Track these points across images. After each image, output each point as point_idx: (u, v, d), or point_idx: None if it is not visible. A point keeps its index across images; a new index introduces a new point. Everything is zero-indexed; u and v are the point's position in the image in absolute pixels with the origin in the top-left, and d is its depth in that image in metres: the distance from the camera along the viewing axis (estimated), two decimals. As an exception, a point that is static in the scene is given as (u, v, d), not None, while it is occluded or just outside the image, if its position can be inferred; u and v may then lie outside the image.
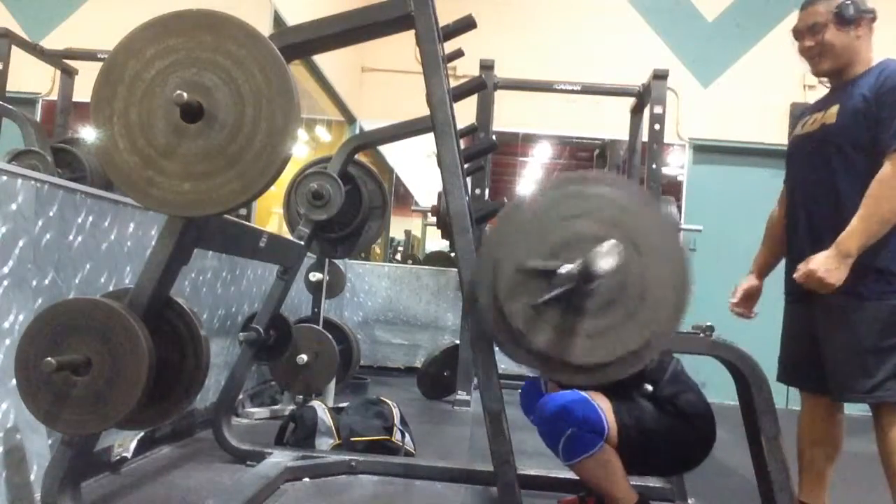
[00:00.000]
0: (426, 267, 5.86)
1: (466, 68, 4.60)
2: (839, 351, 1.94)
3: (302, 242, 2.77)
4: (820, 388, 2.04)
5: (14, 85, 3.51)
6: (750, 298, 2.32)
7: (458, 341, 4.42)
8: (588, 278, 1.33)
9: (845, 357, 1.93)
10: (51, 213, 1.86)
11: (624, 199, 1.42)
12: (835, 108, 1.99)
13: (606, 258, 1.31)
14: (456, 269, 1.67)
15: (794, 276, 1.91)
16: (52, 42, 3.84)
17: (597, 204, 1.41)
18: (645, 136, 4.61)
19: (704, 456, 2.00)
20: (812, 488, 2.11)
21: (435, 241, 8.47)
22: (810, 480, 2.12)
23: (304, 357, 3.21)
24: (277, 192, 3.11)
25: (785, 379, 2.23)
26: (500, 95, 4.49)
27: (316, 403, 3.01)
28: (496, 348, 1.56)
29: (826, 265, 1.84)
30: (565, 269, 1.36)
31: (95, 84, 1.35)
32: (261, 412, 3.57)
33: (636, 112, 4.90)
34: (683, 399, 1.96)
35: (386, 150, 6.48)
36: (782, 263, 2.26)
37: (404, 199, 8.10)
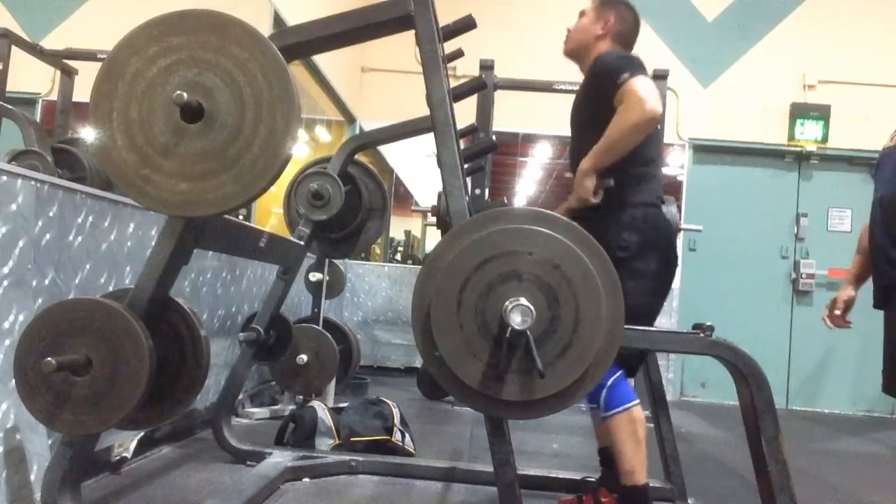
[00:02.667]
0: (426, 267, 5.86)
1: (466, 68, 4.60)
2: None
3: (302, 242, 2.77)
4: None
5: (14, 85, 3.51)
6: (847, 309, 2.28)
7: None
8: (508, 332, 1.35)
9: None
10: (51, 214, 1.86)
11: (543, 229, 1.42)
12: None
13: (516, 315, 1.34)
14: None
15: None
16: (52, 42, 3.84)
17: (517, 239, 1.41)
18: (645, 136, 4.60)
19: None
20: None
21: (435, 241, 8.48)
22: None
23: (304, 357, 3.21)
24: (277, 192, 3.11)
25: (888, 390, 2.13)
26: (500, 95, 4.49)
27: (316, 403, 3.01)
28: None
29: None
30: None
31: (96, 80, 1.35)
32: (261, 412, 3.58)
33: (636, 112, 4.90)
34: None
35: (386, 150, 6.48)
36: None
37: (404, 199, 8.10)
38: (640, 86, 1.91)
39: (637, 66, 1.98)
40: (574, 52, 2.24)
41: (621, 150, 1.94)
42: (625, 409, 1.98)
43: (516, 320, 1.34)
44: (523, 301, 1.35)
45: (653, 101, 1.89)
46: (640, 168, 2.06)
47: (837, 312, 2.26)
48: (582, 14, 2.23)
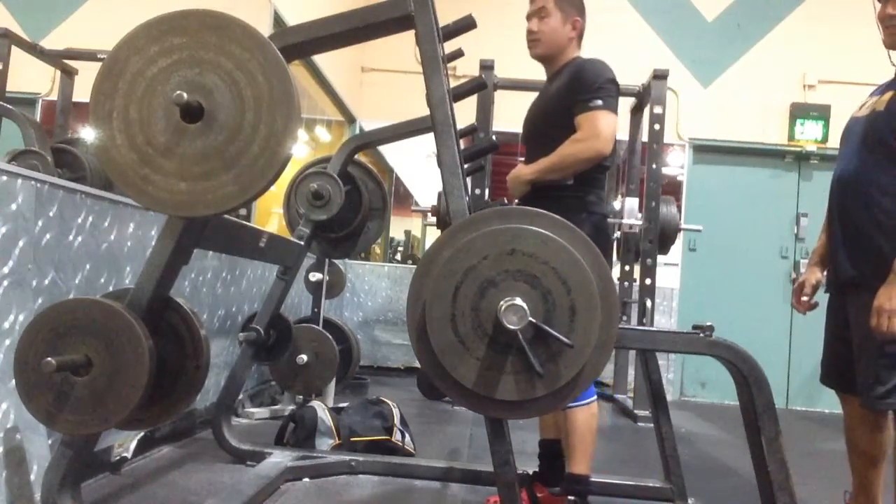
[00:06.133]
0: (426, 267, 5.86)
1: (466, 68, 4.61)
2: (862, 352, 1.87)
3: (302, 242, 2.77)
4: (852, 390, 1.94)
5: (14, 85, 3.51)
6: (815, 292, 2.15)
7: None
8: (504, 332, 1.36)
9: (866, 359, 1.86)
10: (51, 213, 1.86)
11: (539, 229, 1.42)
12: (889, 95, 1.89)
13: (510, 315, 1.34)
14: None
15: (871, 325, 1.78)
16: (52, 42, 3.84)
17: (513, 239, 1.40)
18: (645, 136, 4.61)
19: None
20: (858, 494, 2.02)
21: (435, 241, 8.43)
22: (856, 486, 2.03)
23: (304, 357, 3.21)
24: (277, 192, 3.11)
25: (825, 380, 2.11)
26: (500, 95, 4.49)
27: (316, 403, 3.01)
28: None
29: (889, 295, 1.74)
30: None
31: (96, 79, 1.35)
32: (261, 412, 3.58)
33: (636, 112, 4.90)
34: None
35: (386, 150, 6.47)
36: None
37: (404, 199, 8.09)
38: (602, 121, 2.02)
39: (614, 98, 2.08)
40: (547, 56, 2.24)
41: (566, 174, 2.08)
42: (587, 403, 2.09)
43: (511, 320, 1.34)
44: (518, 301, 1.36)
45: (605, 139, 2.02)
46: (595, 173, 2.15)
47: (805, 298, 2.14)
48: (541, 12, 2.20)
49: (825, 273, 2.10)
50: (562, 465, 2.29)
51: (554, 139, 2.08)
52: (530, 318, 1.34)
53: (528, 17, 2.24)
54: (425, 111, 1.65)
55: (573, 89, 2.08)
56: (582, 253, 1.40)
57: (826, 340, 2.09)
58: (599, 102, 2.02)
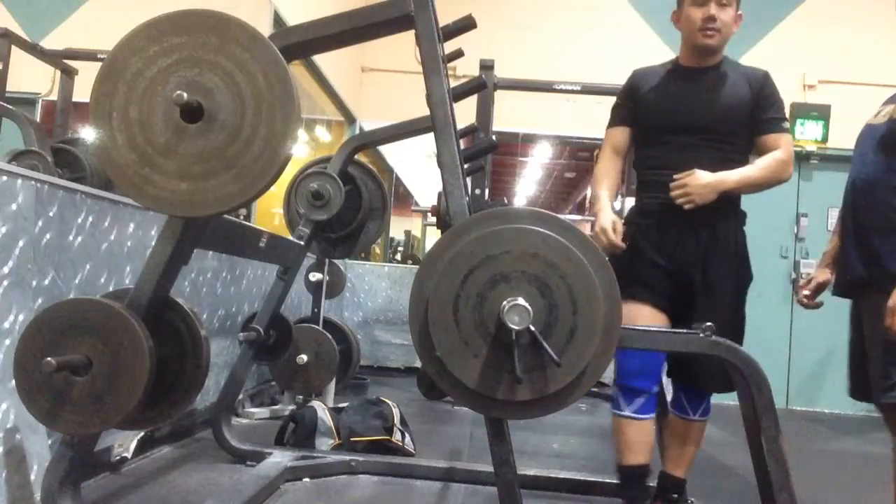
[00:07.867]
0: (426, 267, 5.85)
1: (466, 68, 4.60)
2: (871, 351, 1.86)
3: (302, 242, 2.77)
4: None
5: (14, 85, 3.51)
6: (819, 291, 2.16)
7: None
8: (505, 332, 1.35)
9: (875, 358, 1.84)
10: (51, 213, 1.86)
11: (542, 229, 1.41)
12: None
13: (513, 315, 1.33)
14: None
15: (885, 325, 1.75)
16: (52, 42, 3.85)
17: (516, 239, 1.40)
18: (645, 136, 4.59)
19: None
20: None
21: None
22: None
23: (304, 357, 3.21)
24: (277, 192, 3.11)
25: (854, 394, 2.05)
26: (500, 95, 4.49)
27: (316, 403, 3.01)
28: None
29: None
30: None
31: (96, 80, 1.35)
32: (261, 412, 3.58)
33: (636, 112, 4.89)
34: None
35: (386, 150, 6.47)
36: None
37: (404, 199, 8.09)
38: (792, 146, 2.12)
39: None
40: (718, 49, 2.12)
41: (759, 189, 2.11)
42: (708, 418, 2.21)
43: (513, 320, 1.34)
44: (520, 301, 1.35)
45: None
46: None
47: (806, 293, 2.13)
48: (724, 2, 2.06)
49: (834, 275, 2.11)
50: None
51: (729, 143, 2.09)
52: (530, 325, 1.34)
53: (705, 1, 2.04)
54: (425, 111, 1.65)
55: (766, 103, 2.10)
56: (600, 279, 1.39)
57: (850, 352, 2.04)
58: (787, 125, 2.10)
